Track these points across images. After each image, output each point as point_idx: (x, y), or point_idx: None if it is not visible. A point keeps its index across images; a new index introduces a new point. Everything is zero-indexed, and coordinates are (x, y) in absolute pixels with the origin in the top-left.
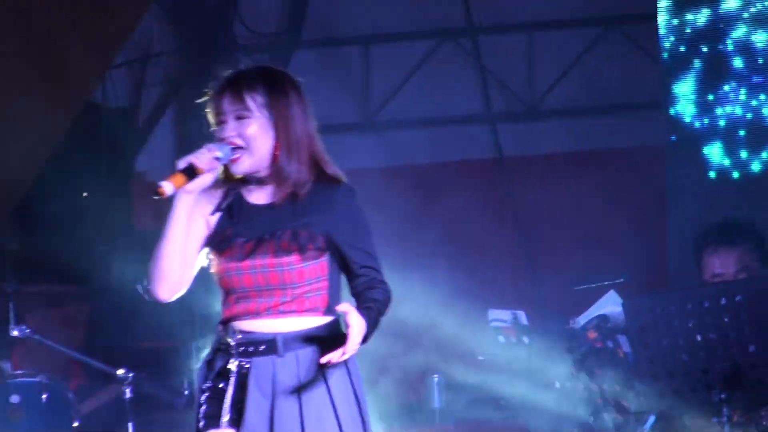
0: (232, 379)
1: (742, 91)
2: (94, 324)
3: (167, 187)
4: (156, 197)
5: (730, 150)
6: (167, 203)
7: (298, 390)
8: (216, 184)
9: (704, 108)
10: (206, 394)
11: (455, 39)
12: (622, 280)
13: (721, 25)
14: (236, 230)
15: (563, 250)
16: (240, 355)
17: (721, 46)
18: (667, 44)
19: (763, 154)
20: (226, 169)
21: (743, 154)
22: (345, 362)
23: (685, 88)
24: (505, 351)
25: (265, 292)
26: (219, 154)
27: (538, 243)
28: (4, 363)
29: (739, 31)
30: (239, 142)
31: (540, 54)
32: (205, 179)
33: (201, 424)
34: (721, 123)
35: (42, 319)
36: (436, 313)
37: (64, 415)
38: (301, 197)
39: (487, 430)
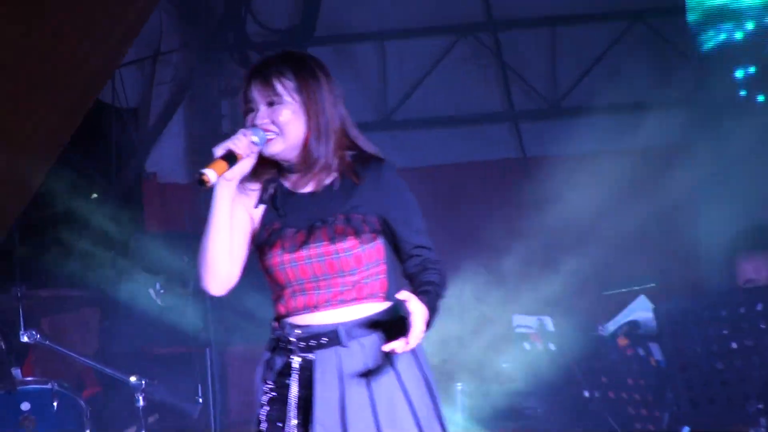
0: (295, 377)
1: None
2: (106, 329)
3: (211, 174)
4: (201, 186)
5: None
6: (178, 205)
7: (367, 378)
8: (252, 176)
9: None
10: (268, 395)
11: (474, 34)
12: (652, 284)
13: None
14: (285, 221)
15: (591, 253)
16: (302, 350)
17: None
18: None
19: None
20: (260, 159)
21: None
22: (413, 350)
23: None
24: (530, 358)
25: (322, 282)
26: (255, 138)
27: (564, 246)
28: (15, 370)
29: None
30: (273, 128)
31: (563, 49)
32: (244, 165)
33: (263, 426)
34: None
35: (55, 324)
36: (458, 319)
37: (76, 422)
38: (345, 180)
39: None
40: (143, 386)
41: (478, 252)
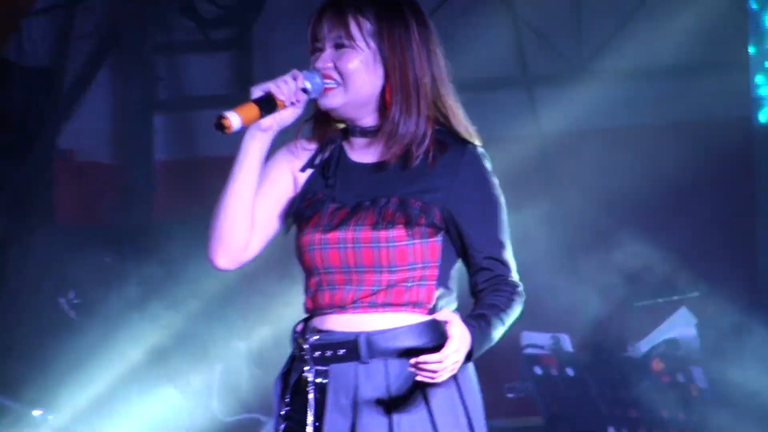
0: (311, 396)
1: None
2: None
3: (234, 119)
4: (219, 130)
5: None
6: (100, 191)
7: (388, 407)
8: (311, 133)
9: None
10: (284, 423)
11: None
12: (696, 293)
13: None
14: (329, 193)
15: (620, 254)
16: (316, 361)
17: None
18: None
19: None
20: (317, 109)
21: None
22: (454, 376)
23: None
24: (543, 386)
25: (354, 276)
26: (307, 84)
27: (587, 244)
28: None
29: None
30: (334, 75)
31: (589, 1)
32: (285, 115)
33: None
34: None
35: None
36: None
37: None
38: (418, 157)
39: None
40: (48, 423)
41: None
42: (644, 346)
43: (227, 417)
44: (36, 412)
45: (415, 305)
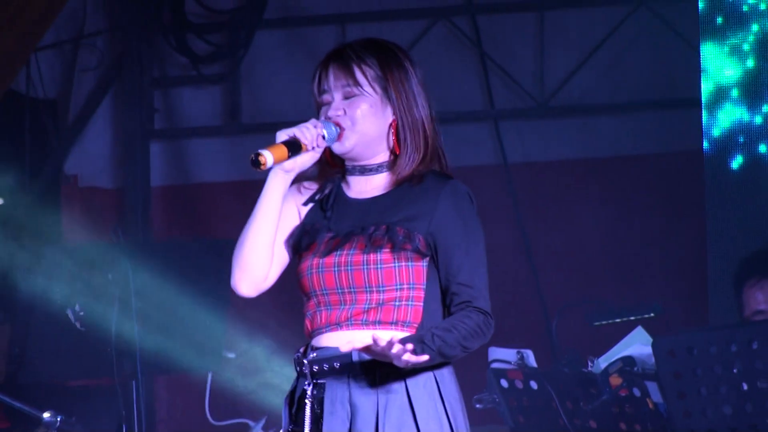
0: (308, 408)
1: None
2: (16, 355)
3: (268, 157)
4: (255, 167)
5: None
6: (102, 213)
7: (377, 415)
8: (314, 175)
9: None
10: None
11: (449, 18)
12: (652, 314)
13: None
14: (326, 224)
15: (580, 276)
16: (314, 375)
17: None
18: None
19: None
20: (326, 159)
21: None
22: (436, 383)
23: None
24: (509, 398)
25: (348, 296)
26: (324, 132)
27: (549, 267)
28: None
29: None
30: (345, 123)
31: (552, 38)
32: (305, 159)
33: None
34: None
35: None
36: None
37: None
38: (403, 190)
39: None
40: (58, 423)
41: None
42: (603, 362)
43: (218, 421)
44: (46, 414)
45: (404, 324)
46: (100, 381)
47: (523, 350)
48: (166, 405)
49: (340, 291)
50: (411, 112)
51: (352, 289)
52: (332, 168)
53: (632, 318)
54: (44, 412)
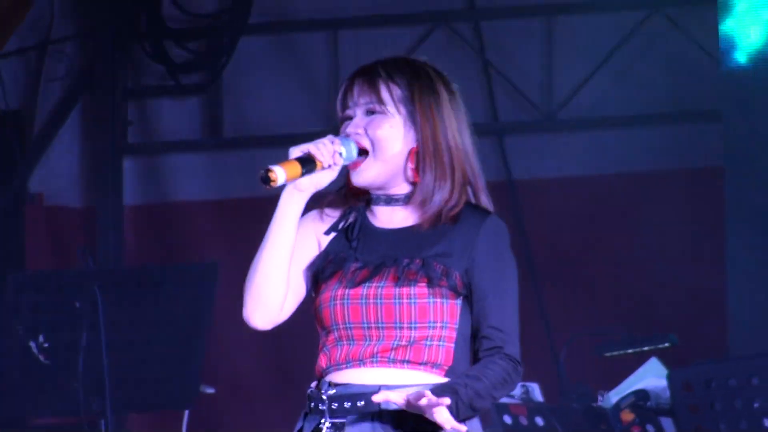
0: None
1: None
2: None
3: (280, 173)
4: (265, 184)
5: None
6: (70, 235)
7: None
8: (335, 201)
9: None
10: None
11: (450, 24)
12: (667, 344)
13: None
14: (352, 254)
15: (590, 302)
16: (333, 413)
17: None
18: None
19: None
20: (348, 182)
21: None
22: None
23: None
24: None
25: (374, 332)
26: (343, 150)
27: (556, 292)
28: None
29: None
30: (365, 142)
31: (561, 46)
32: (321, 177)
33: None
34: None
35: None
36: None
37: None
38: (441, 223)
39: None
40: None
41: None
42: (614, 396)
43: None
44: None
45: (434, 365)
46: (66, 419)
47: (528, 383)
48: None
49: (366, 326)
50: (436, 139)
51: (380, 325)
52: (356, 197)
53: (646, 348)
54: None
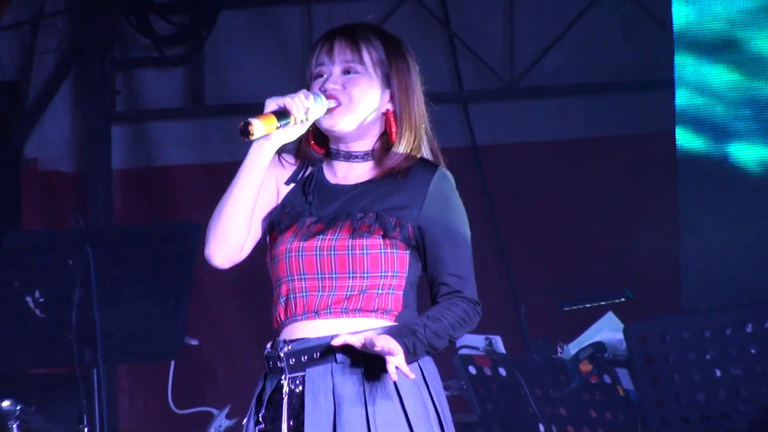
0: (284, 401)
1: None
2: None
3: (257, 127)
4: (243, 137)
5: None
6: (63, 198)
7: (364, 401)
8: (294, 150)
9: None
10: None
11: None
12: (623, 299)
13: None
14: (308, 208)
15: (549, 260)
16: (291, 368)
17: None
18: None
19: None
20: (310, 140)
21: None
22: (421, 371)
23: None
24: (477, 385)
25: (327, 282)
26: (314, 105)
27: (518, 252)
28: None
29: None
30: (341, 97)
31: (522, 17)
32: (293, 130)
33: None
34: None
35: None
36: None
37: None
38: (393, 178)
39: None
40: (18, 412)
41: None
42: (573, 348)
43: (181, 410)
44: (5, 403)
45: (384, 312)
46: (61, 370)
47: (491, 336)
48: (129, 394)
49: (320, 276)
50: (409, 104)
51: (334, 275)
52: (314, 150)
53: (603, 303)
54: (3, 400)
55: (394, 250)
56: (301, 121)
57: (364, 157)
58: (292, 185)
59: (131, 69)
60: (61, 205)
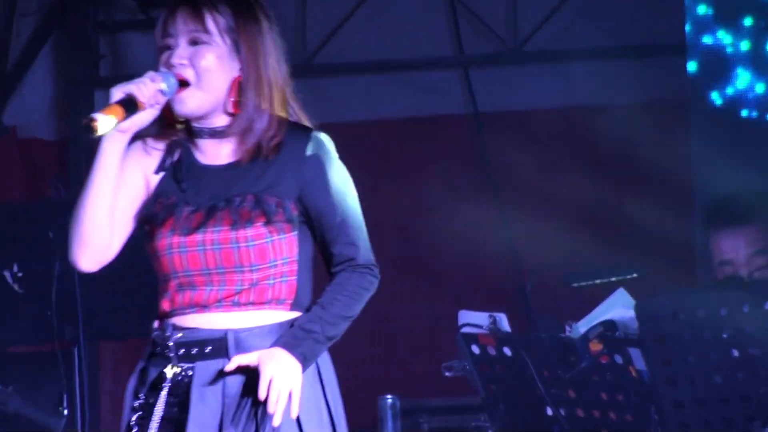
0: (164, 391)
1: None
2: None
3: (103, 121)
4: (89, 133)
5: None
6: (44, 167)
7: (254, 399)
8: (157, 133)
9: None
10: (137, 413)
11: None
12: (635, 275)
13: None
14: (183, 196)
15: (557, 234)
16: (180, 358)
17: None
18: None
19: None
20: (164, 112)
21: None
22: (317, 370)
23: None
24: (480, 365)
25: (215, 277)
26: (164, 86)
27: (522, 225)
28: None
29: None
30: (188, 74)
31: None
32: (143, 117)
33: None
34: None
35: None
36: (390, 314)
37: None
38: (265, 154)
39: None
40: None
41: (416, 232)
42: (582, 327)
43: None
44: None
45: (278, 302)
46: (40, 347)
47: (495, 314)
48: (112, 373)
49: (207, 272)
50: (258, 70)
51: (221, 270)
52: (175, 127)
53: (613, 279)
54: None
55: (281, 236)
56: (151, 105)
57: (226, 131)
58: (162, 173)
59: (116, 32)
60: (42, 174)
